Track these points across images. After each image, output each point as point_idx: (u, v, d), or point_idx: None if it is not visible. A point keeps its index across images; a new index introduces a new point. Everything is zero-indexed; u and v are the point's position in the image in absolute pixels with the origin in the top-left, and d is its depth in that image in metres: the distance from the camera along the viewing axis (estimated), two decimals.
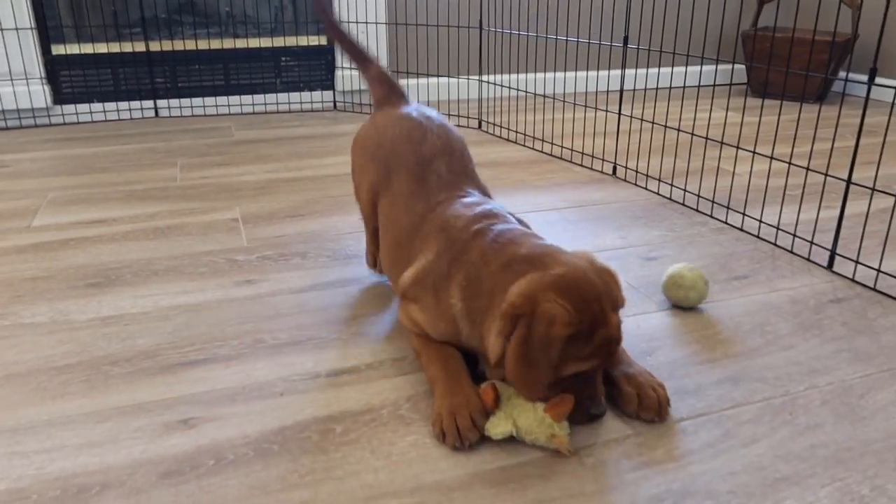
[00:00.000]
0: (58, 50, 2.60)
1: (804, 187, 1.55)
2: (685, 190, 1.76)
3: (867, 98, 1.30)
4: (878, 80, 3.14)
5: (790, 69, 1.51)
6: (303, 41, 2.85)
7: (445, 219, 1.04)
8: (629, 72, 3.27)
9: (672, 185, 1.81)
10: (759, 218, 1.65)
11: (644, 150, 2.22)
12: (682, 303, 1.23)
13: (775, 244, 1.53)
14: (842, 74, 3.25)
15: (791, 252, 1.49)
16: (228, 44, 2.77)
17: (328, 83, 2.92)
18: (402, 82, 2.98)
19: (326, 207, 1.74)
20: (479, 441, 0.90)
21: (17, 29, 2.47)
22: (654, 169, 2.05)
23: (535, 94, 2.16)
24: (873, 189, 1.32)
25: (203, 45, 2.74)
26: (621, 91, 1.94)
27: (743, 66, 3.48)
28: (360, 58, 1.39)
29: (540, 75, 3.17)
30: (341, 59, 2.86)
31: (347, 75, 2.87)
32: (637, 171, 1.90)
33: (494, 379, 0.94)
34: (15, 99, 2.54)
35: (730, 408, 0.97)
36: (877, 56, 1.28)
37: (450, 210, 1.05)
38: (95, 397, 1.00)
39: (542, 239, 0.96)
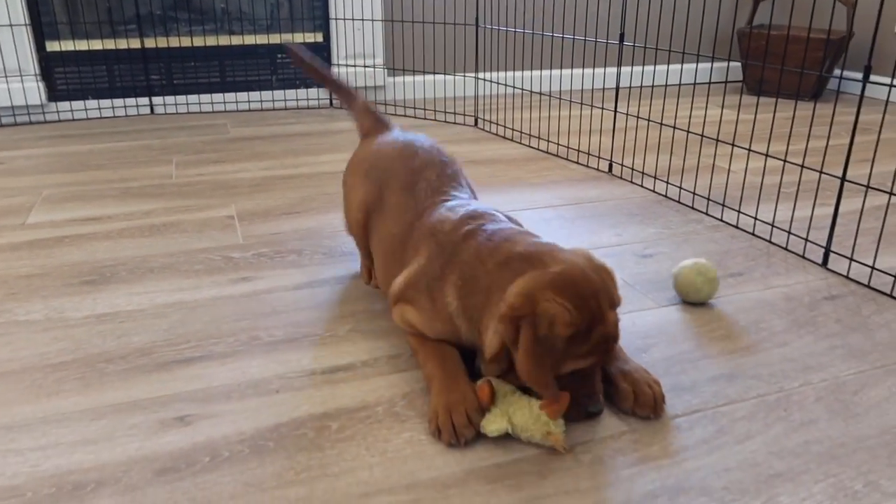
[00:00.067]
0: (52, 46, 2.59)
1: (799, 185, 1.55)
2: (681, 187, 1.76)
3: (862, 96, 1.30)
4: (872, 77, 3.15)
5: (785, 67, 1.52)
6: (298, 38, 2.85)
7: (432, 224, 1.05)
8: (625, 69, 3.27)
9: (668, 182, 1.81)
10: (754, 215, 1.65)
11: (640, 147, 2.23)
12: (692, 298, 1.24)
13: (770, 241, 1.53)
14: (836, 72, 3.25)
15: (786, 249, 1.49)
16: (224, 40, 2.76)
17: None
18: (399, 80, 2.98)
19: (322, 205, 1.74)
20: (475, 438, 0.90)
21: (11, 25, 2.46)
22: (649, 166, 2.05)
23: (531, 92, 2.16)
24: (867, 186, 1.33)
25: (198, 41, 2.73)
26: (617, 88, 1.94)
27: (738, 64, 3.49)
28: (345, 94, 1.45)
29: (536, 73, 3.17)
30: (337, 56, 2.85)
31: (344, 72, 2.87)
32: (633, 169, 1.90)
33: (490, 374, 0.94)
34: (9, 96, 2.53)
35: (724, 404, 0.98)
36: (871, 54, 1.28)
37: (435, 216, 1.07)
38: (90, 395, 1.00)
39: (536, 237, 0.96)
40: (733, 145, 1.49)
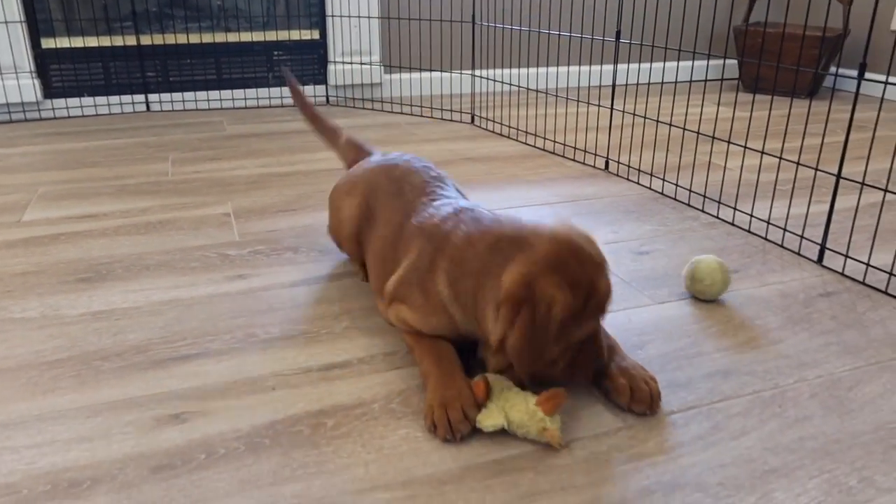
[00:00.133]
0: (48, 43, 2.58)
1: (794, 182, 1.55)
2: (677, 185, 1.77)
3: (857, 93, 1.30)
4: (867, 75, 3.15)
5: (781, 64, 1.52)
6: (295, 35, 2.84)
7: (420, 222, 1.07)
8: (622, 66, 3.27)
9: (664, 179, 1.82)
10: (749, 212, 1.66)
11: (636, 144, 2.23)
12: (703, 288, 1.24)
13: (766, 238, 1.53)
14: (832, 70, 3.26)
15: (781, 246, 1.49)
16: (220, 38, 2.76)
17: (321, 77, 2.91)
18: (395, 77, 2.98)
19: (319, 202, 1.74)
20: (471, 434, 0.90)
21: (6, 22, 2.45)
22: (646, 164, 2.05)
23: (527, 89, 2.16)
24: (863, 184, 1.33)
25: (195, 38, 2.72)
26: (613, 86, 1.94)
27: (734, 62, 3.49)
28: (330, 131, 1.53)
29: (532, 70, 3.17)
30: (334, 54, 2.85)
31: (340, 70, 2.87)
32: (629, 166, 1.90)
33: (496, 366, 0.95)
34: (4, 93, 2.52)
35: (720, 401, 0.98)
36: (867, 51, 1.29)
37: (423, 213, 1.09)
38: (86, 392, 0.99)
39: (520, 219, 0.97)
40: (729, 143, 1.50)
